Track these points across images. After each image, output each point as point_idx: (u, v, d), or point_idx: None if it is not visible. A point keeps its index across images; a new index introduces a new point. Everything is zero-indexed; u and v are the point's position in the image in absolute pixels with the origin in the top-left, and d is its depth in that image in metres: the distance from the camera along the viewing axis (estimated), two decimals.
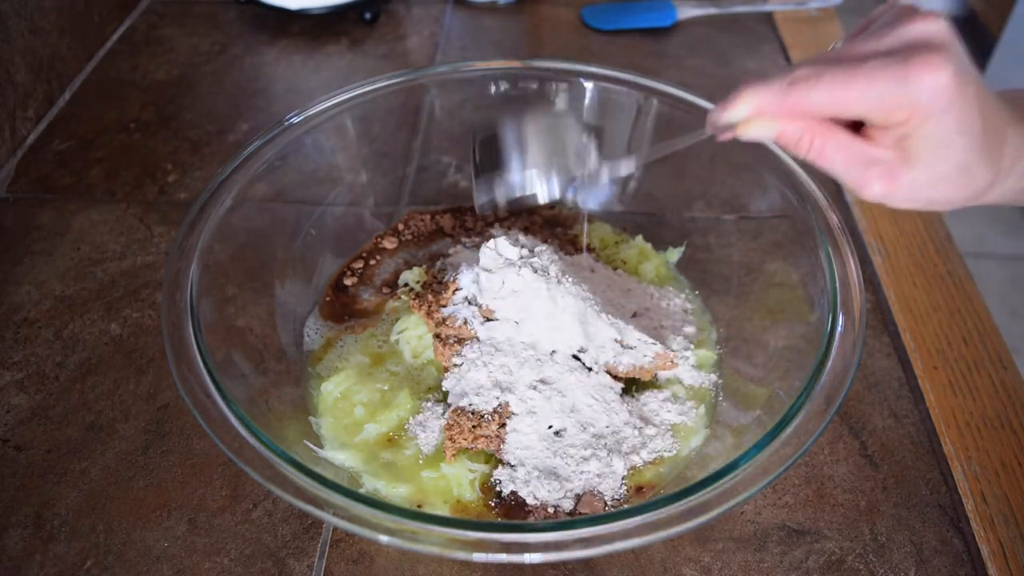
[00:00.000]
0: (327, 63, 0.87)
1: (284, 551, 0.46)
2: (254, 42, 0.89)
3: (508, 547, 0.35)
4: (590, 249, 0.61)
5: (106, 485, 0.49)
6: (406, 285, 0.58)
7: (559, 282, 0.50)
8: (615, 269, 0.59)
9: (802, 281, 0.50)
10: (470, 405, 0.48)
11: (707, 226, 0.60)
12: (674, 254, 0.61)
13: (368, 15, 0.91)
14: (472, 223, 0.64)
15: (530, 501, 0.45)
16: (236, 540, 0.47)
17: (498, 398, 0.48)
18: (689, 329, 0.55)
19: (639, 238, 0.62)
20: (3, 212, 0.68)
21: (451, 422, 0.47)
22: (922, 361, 0.57)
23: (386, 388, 0.51)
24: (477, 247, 0.59)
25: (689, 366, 0.52)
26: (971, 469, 0.51)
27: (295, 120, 0.56)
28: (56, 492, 0.49)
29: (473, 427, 0.47)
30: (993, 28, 2.39)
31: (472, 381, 0.49)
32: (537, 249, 0.52)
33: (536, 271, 0.50)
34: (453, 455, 0.46)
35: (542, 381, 0.49)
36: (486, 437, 0.47)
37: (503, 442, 0.47)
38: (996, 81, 2.28)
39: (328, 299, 0.58)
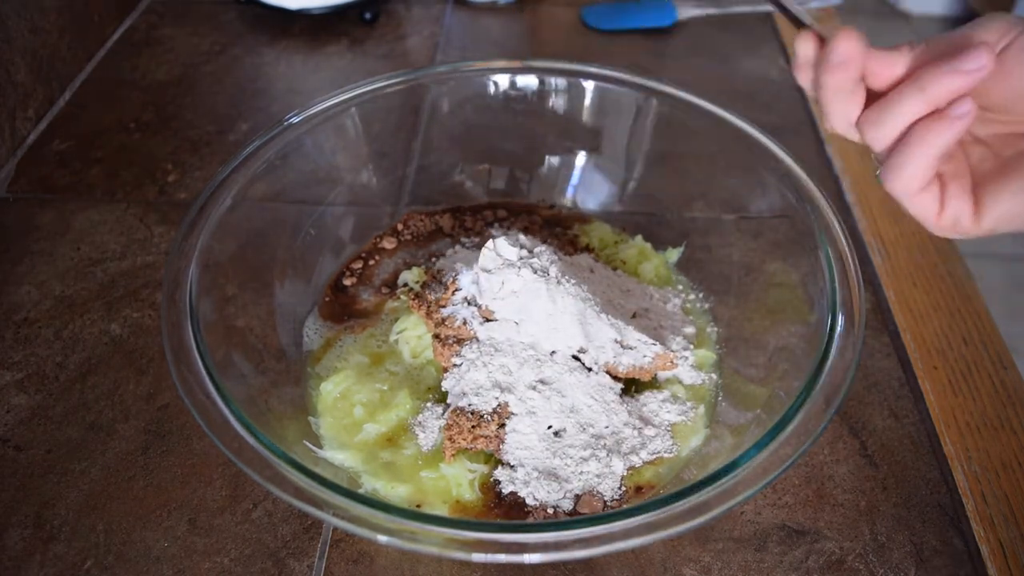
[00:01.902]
0: (327, 63, 0.87)
1: (284, 551, 0.46)
2: (254, 42, 0.90)
3: (507, 547, 0.35)
4: (589, 249, 0.61)
5: (106, 485, 0.49)
6: (405, 285, 0.58)
7: (559, 282, 0.50)
8: (615, 269, 0.59)
9: (802, 281, 0.50)
10: (469, 405, 0.48)
11: (707, 226, 0.60)
12: (674, 254, 0.61)
13: (368, 15, 0.91)
14: (472, 223, 0.64)
15: (530, 502, 0.45)
16: (236, 540, 0.47)
17: (497, 398, 0.48)
18: (689, 329, 0.55)
19: (639, 238, 0.62)
20: (3, 212, 0.68)
21: (450, 422, 0.47)
22: (922, 361, 0.57)
23: (385, 388, 0.51)
24: (476, 247, 0.59)
25: (688, 366, 0.52)
26: (971, 469, 0.51)
27: (295, 120, 0.56)
28: (56, 492, 0.49)
29: (472, 427, 0.47)
30: None
31: (471, 381, 0.49)
32: (537, 250, 0.52)
33: (536, 272, 0.50)
34: (452, 455, 0.46)
35: (542, 381, 0.49)
36: (485, 437, 0.47)
37: (502, 442, 0.47)
38: None
39: (327, 299, 0.58)
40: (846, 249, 0.47)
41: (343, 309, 0.57)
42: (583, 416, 0.48)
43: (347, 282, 0.59)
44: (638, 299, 0.57)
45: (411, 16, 0.95)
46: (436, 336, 0.51)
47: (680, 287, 0.59)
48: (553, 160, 0.66)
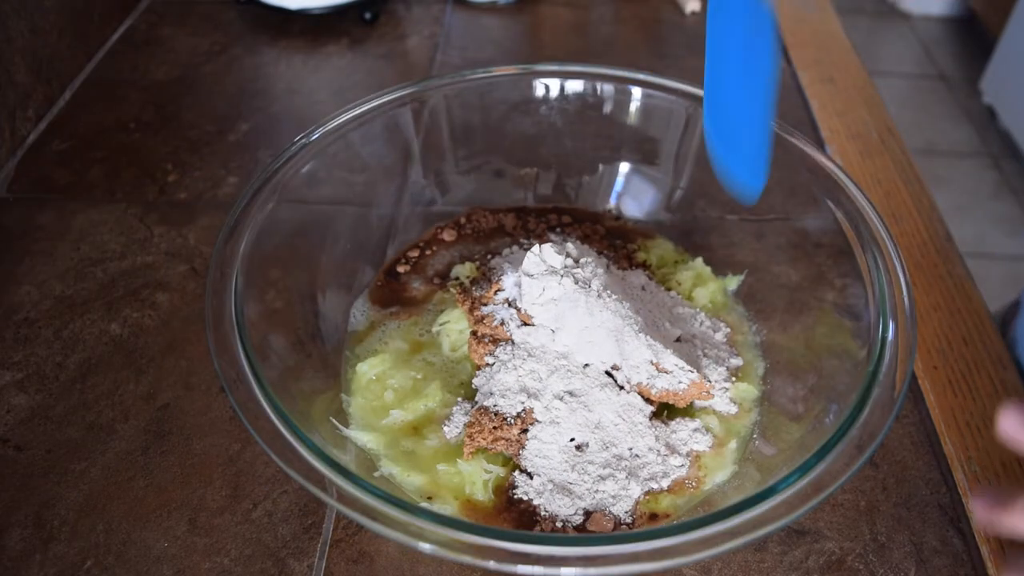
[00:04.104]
0: (327, 63, 0.87)
1: (284, 551, 0.46)
2: (254, 42, 0.90)
3: (519, 557, 0.35)
4: (646, 266, 0.59)
5: (106, 485, 0.49)
6: (456, 278, 0.58)
7: (599, 296, 0.49)
8: (668, 290, 0.57)
9: (851, 311, 0.48)
10: (495, 406, 0.47)
11: (757, 244, 0.58)
12: (733, 281, 0.59)
13: (368, 15, 0.91)
14: (534, 224, 0.63)
15: (541, 512, 0.44)
16: (236, 540, 0.47)
17: (523, 403, 0.47)
18: (735, 361, 0.53)
19: (699, 260, 0.59)
20: (3, 212, 0.68)
21: (473, 420, 0.47)
22: (922, 361, 0.57)
23: (419, 377, 0.51)
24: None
25: (728, 399, 0.51)
26: (971, 469, 0.51)
27: (353, 113, 0.56)
28: (56, 492, 0.49)
29: (494, 428, 0.46)
30: (993, 28, 2.39)
31: (500, 382, 0.48)
32: (583, 260, 0.52)
33: (577, 282, 0.49)
34: (471, 453, 0.46)
35: (570, 393, 0.48)
36: (506, 440, 0.46)
37: (522, 448, 0.46)
38: (996, 81, 2.28)
39: (379, 284, 0.58)
40: (903, 287, 0.45)
41: (392, 295, 0.58)
42: (607, 434, 0.47)
43: (400, 269, 0.60)
44: (686, 323, 0.55)
45: (411, 16, 0.95)
46: (473, 333, 0.51)
47: (735, 316, 0.57)
48: (600, 166, 0.65)
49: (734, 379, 0.52)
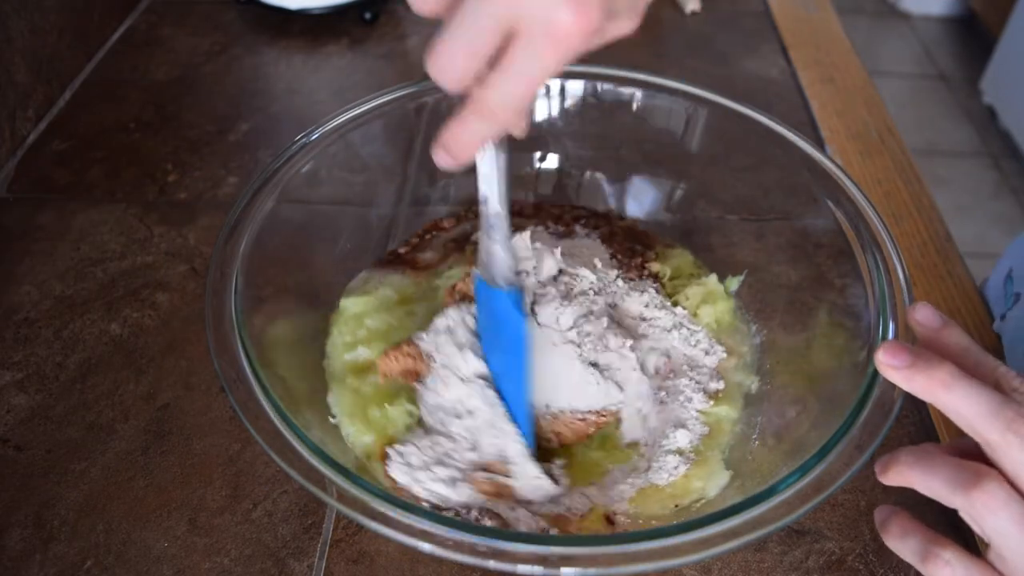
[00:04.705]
0: (327, 63, 0.87)
1: (284, 551, 0.46)
2: (254, 42, 0.89)
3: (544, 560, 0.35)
4: (657, 278, 0.58)
5: (106, 485, 0.49)
6: (475, 242, 0.58)
7: (562, 334, 0.48)
8: (675, 305, 0.56)
9: (854, 312, 0.48)
10: (418, 338, 0.49)
11: (757, 244, 0.58)
12: (733, 282, 0.58)
13: (368, 15, 0.91)
14: (559, 212, 0.63)
15: (405, 478, 0.44)
16: (236, 540, 0.47)
17: (437, 345, 0.48)
18: (714, 385, 0.52)
19: (713, 277, 0.58)
20: (3, 212, 0.68)
21: (393, 346, 0.49)
22: None
23: (395, 324, 0.53)
24: (558, 236, 0.59)
25: (697, 426, 0.49)
26: None
27: (352, 114, 0.56)
28: (56, 492, 0.49)
29: (409, 355, 0.48)
30: (993, 28, 2.39)
31: (435, 324, 0.50)
32: (580, 274, 0.51)
33: (560, 299, 0.49)
34: (384, 375, 0.48)
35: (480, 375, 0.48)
36: (411, 371, 0.48)
37: (421, 380, 0.48)
38: (996, 81, 2.28)
39: (384, 259, 0.60)
40: (903, 287, 0.45)
41: (400, 265, 0.59)
42: (474, 423, 0.46)
43: (402, 250, 0.60)
44: (675, 347, 0.53)
45: (411, 16, 0.95)
46: (452, 286, 0.53)
47: (737, 337, 0.55)
48: (601, 165, 0.64)
49: (712, 403, 0.51)
